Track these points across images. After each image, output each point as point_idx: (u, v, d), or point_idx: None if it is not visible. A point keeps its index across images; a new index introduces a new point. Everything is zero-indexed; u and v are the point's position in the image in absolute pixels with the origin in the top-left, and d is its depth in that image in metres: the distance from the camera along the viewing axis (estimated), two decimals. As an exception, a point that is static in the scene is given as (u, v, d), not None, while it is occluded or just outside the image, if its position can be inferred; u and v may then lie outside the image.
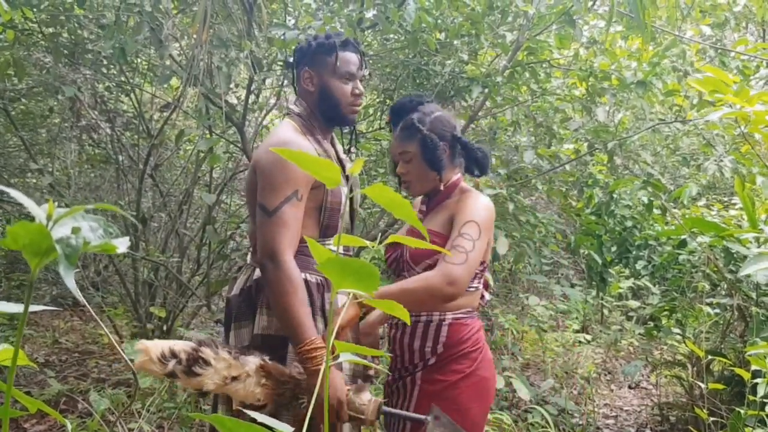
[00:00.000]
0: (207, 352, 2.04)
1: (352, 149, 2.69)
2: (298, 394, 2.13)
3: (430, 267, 2.37)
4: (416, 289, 2.24)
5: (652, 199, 4.96)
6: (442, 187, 2.49)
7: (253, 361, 2.09)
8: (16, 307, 0.90)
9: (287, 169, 2.18)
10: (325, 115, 2.45)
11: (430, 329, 2.43)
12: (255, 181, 2.29)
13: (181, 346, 2.04)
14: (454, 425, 2.13)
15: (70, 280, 0.63)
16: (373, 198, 1.05)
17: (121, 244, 0.67)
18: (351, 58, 2.45)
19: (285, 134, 2.32)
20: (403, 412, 2.28)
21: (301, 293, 2.15)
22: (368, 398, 2.13)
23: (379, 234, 4.74)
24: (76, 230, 0.64)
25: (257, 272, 2.32)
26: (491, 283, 3.99)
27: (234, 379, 2.05)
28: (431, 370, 2.41)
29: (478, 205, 2.39)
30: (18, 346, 0.69)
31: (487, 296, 2.60)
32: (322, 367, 2.02)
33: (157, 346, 2.00)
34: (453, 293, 2.27)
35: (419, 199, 2.69)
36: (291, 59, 2.58)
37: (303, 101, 2.47)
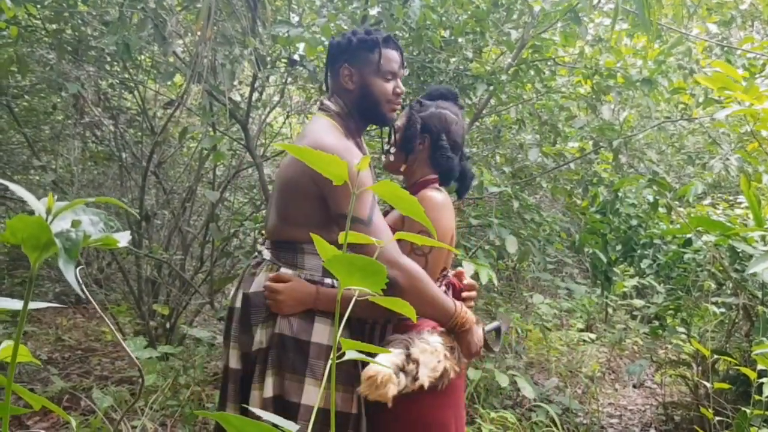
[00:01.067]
0: (415, 352, 2.12)
1: (391, 149, 2.63)
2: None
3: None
4: (371, 308, 2.22)
5: (657, 197, 4.94)
6: (402, 169, 2.50)
7: (435, 340, 2.18)
8: (18, 304, 0.89)
9: (361, 175, 2.11)
10: (364, 114, 2.39)
11: (375, 332, 2.39)
12: (308, 186, 2.19)
13: (398, 357, 2.09)
14: (507, 317, 2.53)
15: (70, 275, 0.61)
16: (381, 195, 1.03)
17: (122, 238, 0.66)
18: (393, 56, 2.39)
19: (335, 139, 2.23)
20: (487, 327, 2.42)
21: (429, 282, 2.17)
22: (481, 328, 2.34)
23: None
24: (76, 223, 0.62)
25: (282, 271, 2.25)
26: (495, 280, 3.97)
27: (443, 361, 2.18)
28: None
29: (428, 208, 2.33)
30: (18, 341, 0.67)
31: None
32: (471, 326, 2.25)
33: (385, 371, 2.00)
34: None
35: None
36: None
37: (339, 99, 2.38)
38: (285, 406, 2.15)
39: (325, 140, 2.19)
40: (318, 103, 2.47)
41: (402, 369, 2.05)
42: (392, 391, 1.99)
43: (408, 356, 2.08)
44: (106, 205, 5.17)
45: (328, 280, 2.24)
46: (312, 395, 2.18)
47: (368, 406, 2.27)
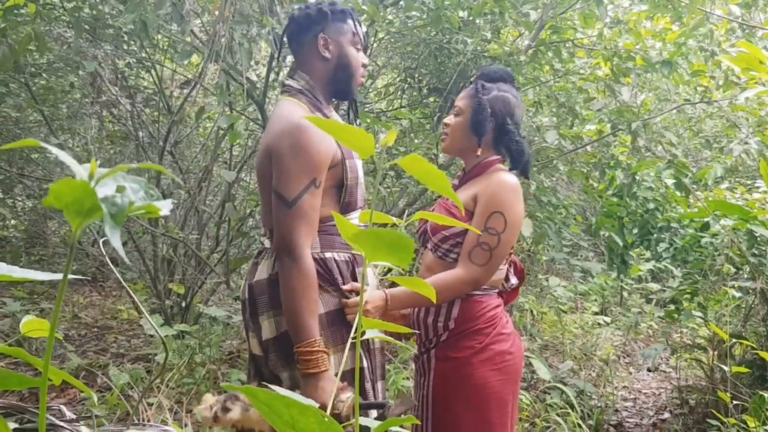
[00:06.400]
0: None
1: (357, 122, 2.62)
2: None
3: (446, 238, 2.40)
4: (438, 290, 2.29)
5: (678, 178, 4.90)
6: (479, 152, 2.48)
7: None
8: (38, 275, 0.90)
9: (307, 156, 2.10)
10: (337, 85, 2.37)
11: (442, 305, 2.44)
12: (267, 166, 2.20)
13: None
14: (410, 400, 2.29)
15: (116, 240, 0.61)
16: (407, 169, 1.02)
17: (164, 207, 0.65)
18: (360, 28, 2.39)
19: (297, 115, 2.18)
20: (369, 403, 2.28)
21: (312, 293, 2.10)
22: (347, 396, 2.10)
23: (405, 213, 4.72)
24: (121, 189, 0.62)
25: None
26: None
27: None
28: (445, 346, 2.43)
29: (504, 190, 2.37)
30: (58, 312, 0.68)
31: (514, 281, 2.58)
32: (315, 371, 2.07)
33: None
34: (474, 290, 2.40)
35: None
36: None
37: (307, 73, 2.34)
38: None
39: (291, 120, 2.17)
40: (279, 85, 2.43)
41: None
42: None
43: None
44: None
45: (327, 254, 2.23)
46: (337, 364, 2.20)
47: (437, 367, 2.41)
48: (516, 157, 2.53)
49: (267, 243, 2.34)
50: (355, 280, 2.28)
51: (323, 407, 2.01)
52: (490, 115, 2.44)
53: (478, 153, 2.48)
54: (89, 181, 0.61)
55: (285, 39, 2.44)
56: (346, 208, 2.31)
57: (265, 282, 2.27)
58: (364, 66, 2.42)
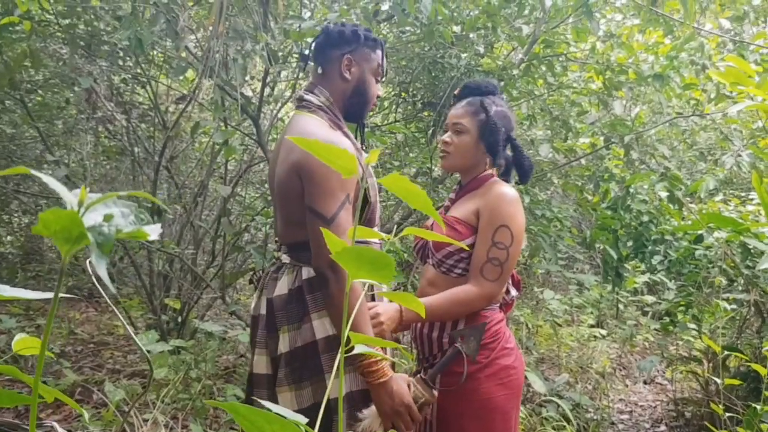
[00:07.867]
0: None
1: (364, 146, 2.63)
2: None
3: (451, 254, 2.40)
4: (451, 306, 2.36)
5: (671, 190, 4.92)
6: (494, 172, 2.50)
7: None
8: (29, 293, 0.91)
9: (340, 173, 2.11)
10: (351, 108, 2.38)
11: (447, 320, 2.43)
12: (295, 182, 2.17)
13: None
14: (475, 330, 2.33)
15: (102, 270, 0.62)
16: (389, 188, 1.04)
17: (153, 231, 0.67)
18: (385, 62, 2.42)
19: (324, 133, 2.19)
20: (440, 362, 2.36)
21: (363, 305, 2.11)
22: (412, 385, 2.24)
23: (395, 227, 4.74)
24: (108, 217, 0.63)
25: (305, 272, 2.23)
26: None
27: None
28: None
29: (507, 203, 2.37)
30: (49, 332, 0.69)
31: (514, 292, 2.59)
32: (384, 380, 2.10)
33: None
34: (487, 306, 2.41)
35: None
36: (302, 52, 2.46)
37: (326, 90, 2.35)
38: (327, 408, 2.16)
39: (318, 134, 2.16)
40: (296, 100, 2.43)
41: None
42: None
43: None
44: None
45: None
46: (336, 387, 2.20)
47: (441, 382, 2.39)
48: (527, 172, 2.55)
49: (285, 258, 2.32)
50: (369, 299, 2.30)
51: (406, 406, 2.15)
52: (501, 131, 2.46)
53: (493, 172, 2.51)
54: (78, 209, 0.63)
55: (312, 49, 2.45)
56: (367, 225, 2.31)
57: (286, 296, 2.26)
58: (378, 97, 2.45)
